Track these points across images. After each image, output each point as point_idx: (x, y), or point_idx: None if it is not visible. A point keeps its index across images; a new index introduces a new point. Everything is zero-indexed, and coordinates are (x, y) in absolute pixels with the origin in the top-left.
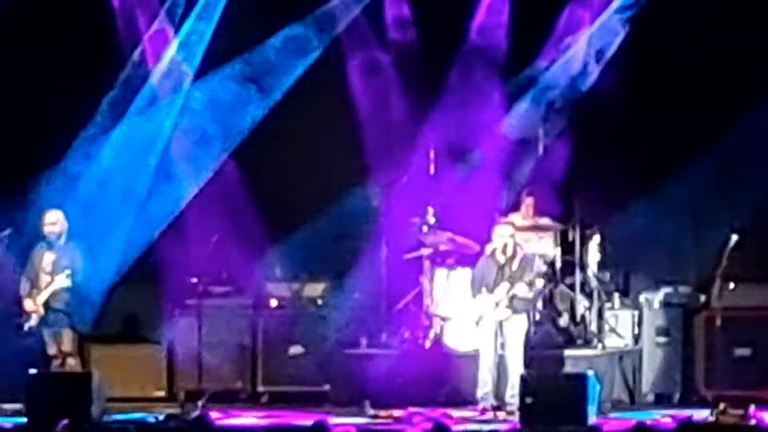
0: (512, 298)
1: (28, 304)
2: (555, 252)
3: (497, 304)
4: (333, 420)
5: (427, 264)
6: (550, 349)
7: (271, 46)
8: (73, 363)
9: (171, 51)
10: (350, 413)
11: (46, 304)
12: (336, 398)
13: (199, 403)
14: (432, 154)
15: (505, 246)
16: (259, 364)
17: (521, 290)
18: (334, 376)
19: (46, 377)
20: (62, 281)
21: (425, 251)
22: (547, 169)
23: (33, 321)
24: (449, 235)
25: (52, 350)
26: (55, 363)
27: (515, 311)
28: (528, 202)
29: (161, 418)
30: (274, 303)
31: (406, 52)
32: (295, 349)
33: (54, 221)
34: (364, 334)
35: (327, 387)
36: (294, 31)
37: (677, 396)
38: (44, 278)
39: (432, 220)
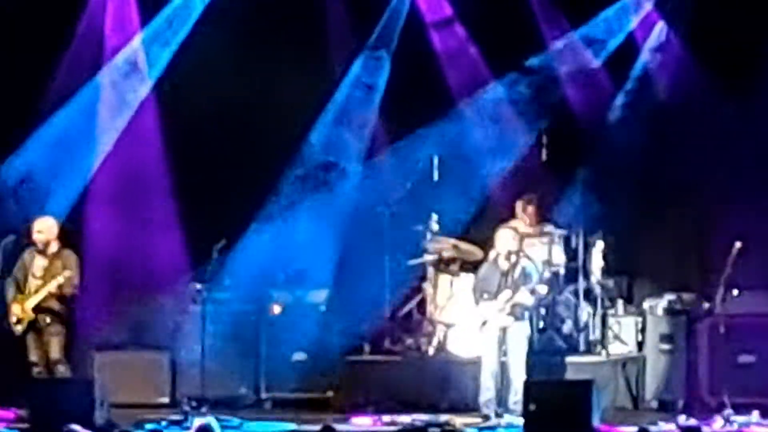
0: (514, 305)
1: (15, 309)
2: (558, 258)
3: (499, 311)
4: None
5: (430, 270)
6: (553, 355)
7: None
8: (62, 370)
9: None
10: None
11: (36, 309)
12: (339, 405)
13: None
14: (436, 161)
15: (509, 252)
16: (263, 371)
17: (523, 297)
18: (337, 382)
19: (49, 384)
20: (54, 286)
21: (429, 257)
22: (550, 176)
23: (22, 326)
24: (453, 241)
25: (34, 356)
26: (36, 370)
27: (517, 318)
28: (530, 209)
29: (164, 424)
30: (277, 309)
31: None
32: (299, 356)
33: (41, 229)
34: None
35: (330, 393)
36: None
37: (681, 403)
38: (34, 283)
39: (435, 226)
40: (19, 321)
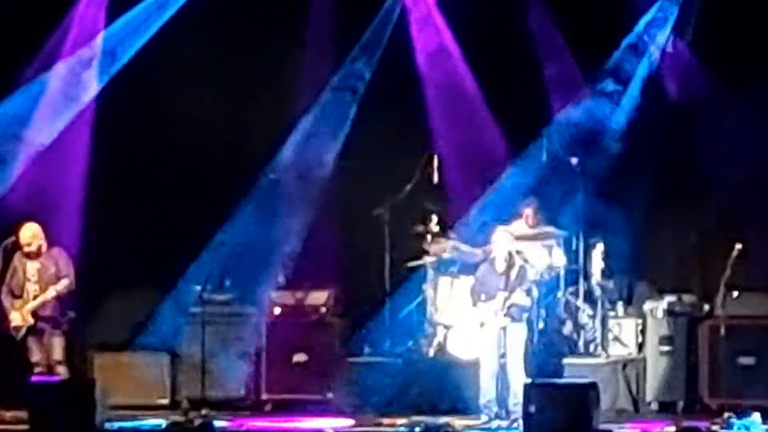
0: (511, 306)
1: (15, 318)
2: (559, 260)
3: (497, 313)
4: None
5: (430, 272)
6: (553, 357)
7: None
8: (62, 371)
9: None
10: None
11: (35, 314)
12: (339, 406)
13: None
14: (436, 162)
15: (506, 254)
16: (263, 372)
17: (519, 298)
18: (337, 384)
19: (49, 385)
20: (54, 291)
21: (429, 259)
22: (552, 178)
23: (21, 332)
24: (453, 243)
25: (35, 357)
26: (38, 370)
27: (513, 319)
28: (528, 211)
29: (164, 425)
30: (277, 311)
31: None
32: (299, 357)
33: (29, 241)
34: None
35: (330, 395)
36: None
37: (681, 405)
38: (32, 287)
39: (436, 228)
40: (18, 327)
